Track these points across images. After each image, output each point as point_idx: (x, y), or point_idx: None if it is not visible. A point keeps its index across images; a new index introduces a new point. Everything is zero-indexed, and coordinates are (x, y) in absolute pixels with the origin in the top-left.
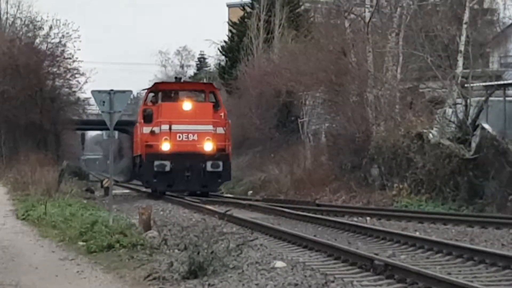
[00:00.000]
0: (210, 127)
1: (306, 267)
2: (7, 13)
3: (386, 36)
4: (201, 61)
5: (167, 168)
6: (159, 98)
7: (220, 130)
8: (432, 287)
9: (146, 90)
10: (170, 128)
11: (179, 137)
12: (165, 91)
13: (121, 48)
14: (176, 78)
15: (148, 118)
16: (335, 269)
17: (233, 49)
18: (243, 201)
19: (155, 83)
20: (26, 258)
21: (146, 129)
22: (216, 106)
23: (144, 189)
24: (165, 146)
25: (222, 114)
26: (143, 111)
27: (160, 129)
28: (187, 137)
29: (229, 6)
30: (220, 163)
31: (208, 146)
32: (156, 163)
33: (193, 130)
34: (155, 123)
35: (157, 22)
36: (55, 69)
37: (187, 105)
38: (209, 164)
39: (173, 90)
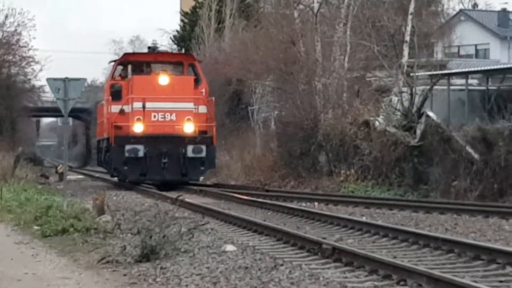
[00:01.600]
0: (191, 105)
1: (256, 251)
2: None
3: (334, 26)
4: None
5: (140, 154)
6: (129, 71)
7: (203, 108)
8: (378, 270)
9: (114, 62)
10: (143, 106)
11: (154, 116)
12: (136, 62)
13: (77, 37)
14: (149, 48)
15: (116, 95)
16: (284, 252)
17: (185, 39)
18: (194, 187)
19: (125, 54)
20: None
21: (115, 108)
22: (197, 81)
23: (110, 178)
24: (138, 128)
25: (204, 90)
26: (110, 87)
27: (132, 108)
28: (164, 117)
29: None
30: (203, 147)
31: (189, 128)
32: (127, 147)
33: (171, 108)
34: (126, 100)
35: (110, 12)
36: (10, 57)
37: (163, 79)
38: (190, 148)
39: (145, 62)
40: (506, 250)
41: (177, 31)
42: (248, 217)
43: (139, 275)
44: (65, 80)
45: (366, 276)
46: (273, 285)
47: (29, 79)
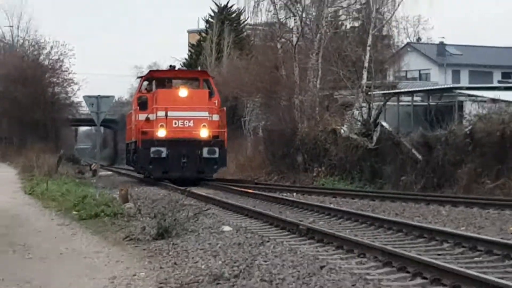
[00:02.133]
0: (206, 113)
1: (247, 231)
2: (18, 36)
3: (309, 55)
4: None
5: (163, 155)
6: (153, 85)
7: (215, 117)
8: (343, 246)
9: (140, 78)
10: (166, 115)
11: (175, 123)
12: (159, 78)
13: (108, 61)
14: (170, 66)
15: (143, 105)
16: (269, 232)
17: (192, 65)
18: (209, 183)
19: (150, 71)
20: (32, 224)
21: (142, 116)
22: (211, 93)
23: (133, 174)
24: (161, 133)
25: (216, 101)
26: (138, 99)
27: (156, 116)
28: (183, 124)
29: (189, 32)
30: (216, 149)
31: (204, 133)
32: (152, 149)
33: (189, 116)
34: (151, 110)
35: (135, 43)
36: (54, 79)
37: (183, 92)
38: (205, 150)
39: (167, 78)
40: (443, 230)
41: (185, 59)
42: (241, 204)
43: (155, 249)
44: (98, 97)
45: (334, 250)
46: (261, 257)
47: (69, 96)
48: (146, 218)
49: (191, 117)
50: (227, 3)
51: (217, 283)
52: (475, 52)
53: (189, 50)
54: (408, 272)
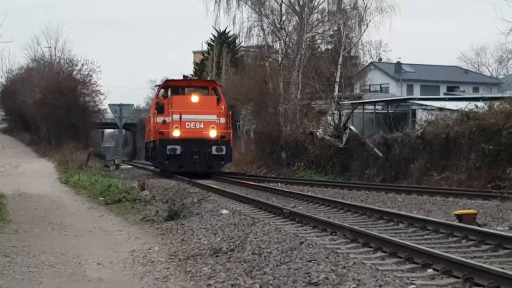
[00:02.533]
0: (214, 117)
1: (241, 213)
2: (55, 55)
3: (291, 71)
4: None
5: (178, 152)
6: (169, 92)
7: (223, 120)
8: (318, 226)
9: (158, 86)
10: (180, 118)
11: (188, 125)
12: (174, 86)
13: (128, 75)
14: (184, 76)
15: (160, 110)
16: (259, 214)
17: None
18: (217, 176)
19: (166, 80)
20: (67, 207)
21: (159, 119)
22: (218, 99)
23: (153, 169)
24: (176, 133)
25: (223, 106)
26: (156, 104)
27: (172, 119)
28: (195, 125)
29: (194, 52)
30: (224, 147)
31: (213, 133)
32: (169, 147)
33: (200, 119)
34: (167, 113)
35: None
36: (85, 91)
37: (194, 98)
38: (214, 148)
39: (181, 86)
40: (399, 213)
41: (191, 74)
42: (236, 192)
43: (167, 228)
44: (120, 105)
45: (311, 229)
46: (252, 235)
47: (97, 104)
48: (159, 203)
49: (202, 119)
50: (225, 29)
51: (217, 256)
52: (426, 69)
53: (194, 67)
54: (371, 247)
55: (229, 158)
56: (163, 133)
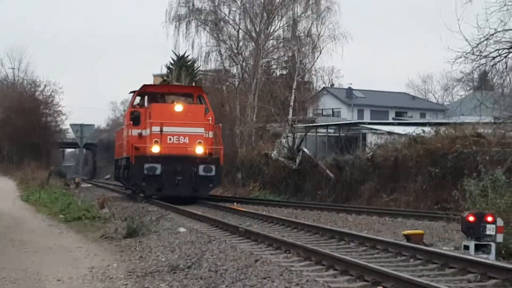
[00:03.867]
0: (202, 130)
1: (198, 231)
2: (18, 76)
3: (247, 95)
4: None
5: (158, 171)
6: (145, 100)
7: (211, 134)
8: (273, 244)
9: (133, 93)
10: (161, 130)
11: (170, 139)
12: (152, 93)
13: (89, 96)
14: (164, 80)
15: (136, 121)
16: (215, 232)
17: None
18: (204, 200)
19: (144, 85)
20: (27, 224)
21: (135, 132)
22: (206, 110)
23: (108, 186)
24: (155, 149)
25: (210, 118)
26: (130, 114)
27: (151, 131)
28: (178, 140)
29: (154, 75)
30: (213, 167)
31: (199, 150)
32: (146, 166)
33: (184, 132)
34: (144, 125)
35: (112, 82)
36: (47, 111)
37: (178, 107)
38: (201, 168)
39: (160, 93)
40: (350, 232)
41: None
42: (193, 210)
43: (126, 246)
44: (81, 125)
45: (266, 247)
46: (208, 252)
47: (58, 124)
48: (118, 221)
49: (187, 133)
50: (184, 53)
51: (174, 272)
52: (375, 95)
53: None
54: (323, 265)
55: (218, 180)
56: (139, 148)
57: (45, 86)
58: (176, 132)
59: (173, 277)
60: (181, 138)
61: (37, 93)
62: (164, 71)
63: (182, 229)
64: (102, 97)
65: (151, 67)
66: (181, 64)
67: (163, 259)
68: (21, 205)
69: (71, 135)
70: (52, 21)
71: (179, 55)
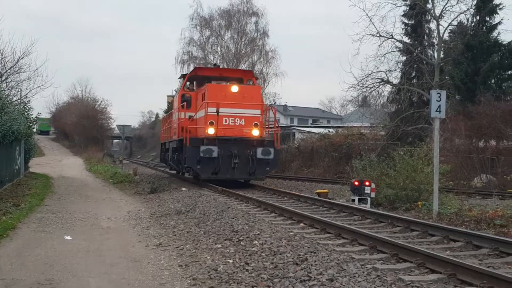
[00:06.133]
0: (258, 112)
1: (194, 190)
2: (84, 95)
3: None
4: (157, 117)
5: (214, 154)
6: (194, 85)
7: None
8: (238, 198)
9: (183, 77)
10: (217, 111)
11: (225, 121)
12: (203, 77)
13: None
14: (214, 64)
15: (187, 103)
16: (204, 191)
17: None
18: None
19: (196, 68)
20: (90, 185)
21: (186, 115)
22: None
23: (140, 162)
24: (211, 131)
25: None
26: (181, 97)
27: (206, 112)
28: (234, 122)
29: (168, 96)
30: (271, 150)
31: (256, 132)
32: (203, 148)
33: (241, 114)
34: (197, 107)
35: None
36: (102, 117)
37: (234, 88)
38: (259, 151)
39: (211, 77)
40: (284, 191)
41: (165, 110)
42: (188, 177)
43: (149, 198)
44: (123, 125)
45: (234, 200)
46: (200, 203)
47: (109, 125)
48: (145, 183)
49: (243, 114)
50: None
51: (178, 214)
52: (301, 109)
53: (167, 106)
54: (268, 210)
55: (275, 163)
56: (191, 130)
57: (101, 101)
58: (232, 113)
59: (178, 217)
60: (237, 120)
61: (96, 106)
62: (174, 93)
63: (183, 189)
64: (135, 109)
65: (165, 91)
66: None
67: (172, 207)
68: (86, 174)
69: (117, 131)
70: (108, 60)
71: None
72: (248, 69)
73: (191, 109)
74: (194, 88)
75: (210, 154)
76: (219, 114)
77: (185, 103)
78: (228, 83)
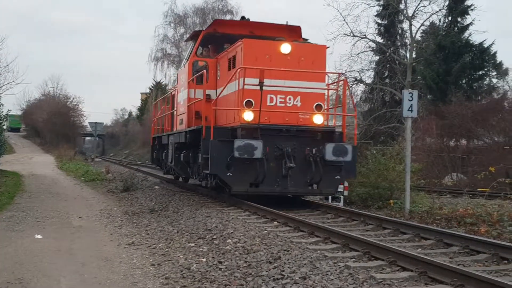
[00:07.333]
0: (323, 84)
1: (166, 188)
2: (56, 91)
3: None
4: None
5: (257, 153)
6: (210, 51)
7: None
8: (212, 197)
9: (194, 40)
10: (260, 85)
11: (272, 100)
12: (226, 36)
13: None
14: (243, 18)
15: (201, 77)
16: (177, 189)
17: (143, 110)
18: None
19: (215, 21)
20: (61, 183)
21: (199, 93)
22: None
23: (110, 159)
24: (248, 116)
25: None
26: (193, 65)
27: (240, 85)
28: (284, 101)
29: (141, 93)
30: (349, 147)
31: (319, 119)
32: (238, 143)
33: (296, 88)
34: (230, 75)
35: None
36: (74, 114)
37: (285, 47)
38: (329, 148)
39: (238, 35)
40: None
41: (138, 109)
42: (165, 176)
43: (122, 197)
44: (95, 123)
45: (208, 198)
46: (173, 201)
47: (81, 122)
48: (117, 181)
49: (299, 89)
50: (160, 80)
51: (151, 213)
52: None
53: (141, 102)
54: (241, 208)
55: (354, 169)
56: (211, 117)
57: (73, 98)
58: (282, 87)
59: (151, 216)
60: (290, 99)
61: (68, 103)
62: (147, 90)
63: (157, 187)
64: (108, 105)
65: (138, 88)
66: (158, 87)
67: (145, 205)
68: (57, 172)
69: (89, 129)
70: (78, 57)
71: (156, 81)
72: (295, 25)
73: (208, 85)
74: (210, 55)
75: (251, 154)
76: (263, 88)
77: (201, 74)
78: (280, 41)
